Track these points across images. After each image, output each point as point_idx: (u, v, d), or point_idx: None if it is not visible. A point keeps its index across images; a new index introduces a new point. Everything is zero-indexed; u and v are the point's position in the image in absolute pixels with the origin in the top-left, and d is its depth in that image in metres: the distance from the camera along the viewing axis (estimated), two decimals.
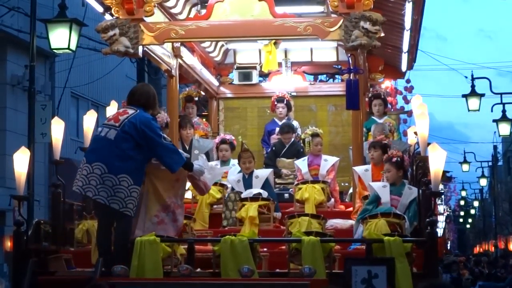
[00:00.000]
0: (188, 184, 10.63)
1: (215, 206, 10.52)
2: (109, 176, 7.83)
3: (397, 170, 9.42)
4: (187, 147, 11.51)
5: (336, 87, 13.93)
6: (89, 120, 9.47)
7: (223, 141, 11.25)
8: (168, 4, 10.54)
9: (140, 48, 9.44)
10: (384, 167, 9.50)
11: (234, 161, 11.16)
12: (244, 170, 10.55)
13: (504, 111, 21.73)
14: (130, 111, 8.12)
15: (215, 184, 10.56)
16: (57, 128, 9.22)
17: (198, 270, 8.12)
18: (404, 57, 12.63)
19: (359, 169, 10.27)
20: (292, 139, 11.84)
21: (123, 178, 7.83)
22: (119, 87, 23.85)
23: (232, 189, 10.59)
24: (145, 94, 8.30)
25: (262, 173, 10.65)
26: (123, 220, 7.98)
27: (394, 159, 9.46)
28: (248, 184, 10.42)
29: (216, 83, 13.60)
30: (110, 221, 8.12)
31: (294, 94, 13.15)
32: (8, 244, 17.45)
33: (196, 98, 12.51)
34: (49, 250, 8.77)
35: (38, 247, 8.68)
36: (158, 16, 10.02)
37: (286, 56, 13.62)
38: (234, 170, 11.04)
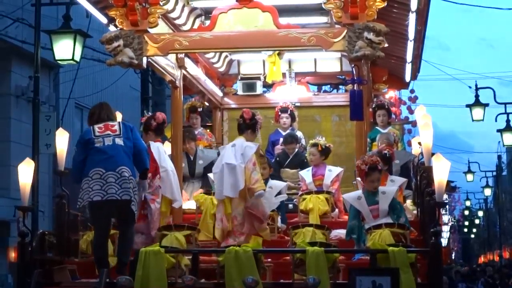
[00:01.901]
0: (193, 191, 10.66)
1: None
2: (132, 179, 8.24)
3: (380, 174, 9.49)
4: (192, 158, 11.52)
5: (340, 97, 13.94)
6: None
7: (217, 153, 11.31)
8: (172, 15, 10.56)
9: (144, 59, 9.46)
10: (370, 177, 9.40)
11: None
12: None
13: (508, 121, 21.71)
14: (114, 122, 8.57)
15: None
16: (62, 139, 9.23)
17: (203, 280, 8.12)
18: (408, 67, 12.64)
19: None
20: (296, 150, 11.84)
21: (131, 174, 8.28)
22: (124, 98, 23.87)
23: None
24: (112, 111, 8.75)
25: (277, 185, 10.56)
26: (132, 222, 8.32)
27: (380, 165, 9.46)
28: None
29: (220, 93, 13.61)
30: (109, 224, 8.43)
31: (298, 104, 13.16)
32: (13, 255, 17.46)
33: (200, 109, 12.52)
34: (53, 260, 8.77)
35: (43, 257, 8.68)
36: (162, 27, 10.04)
37: (290, 66, 13.63)
38: None
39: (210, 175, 11.16)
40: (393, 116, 15.47)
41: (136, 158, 8.38)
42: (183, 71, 11.30)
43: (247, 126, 9.56)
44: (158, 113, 10.17)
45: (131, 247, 8.29)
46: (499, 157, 46.83)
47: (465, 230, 65.32)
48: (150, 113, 10.47)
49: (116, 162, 8.15)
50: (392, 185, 9.95)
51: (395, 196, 9.43)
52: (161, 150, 9.71)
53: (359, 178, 9.86)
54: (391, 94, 16.31)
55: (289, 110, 12.41)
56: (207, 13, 11.16)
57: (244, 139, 9.44)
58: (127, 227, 8.31)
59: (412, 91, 23.07)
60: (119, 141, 8.27)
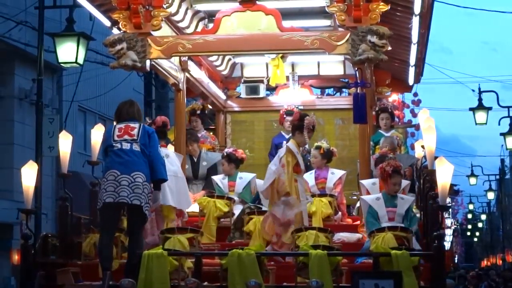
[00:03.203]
0: (195, 193, 10.64)
1: (222, 220, 10.53)
2: (147, 184, 8.23)
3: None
4: (195, 159, 11.54)
5: (343, 100, 13.95)
6: (97, 134, 9.48)
7: (221, 156, 11.30)
8: (175, 18, 10.57)
9: (148, 62, 9.47)
10: (393, 179, 9.44)
11: (241, 174, 11.17)
12: None
13: (511, 124, 21.70)
14: (136, 125, 8.41)
15: (222, 197, 10.59)
16: (65, 142, 9.24)
17: (205, 283, 8.11)
18: (411, 71, 12.64)
19: (366, 182, 10.26)
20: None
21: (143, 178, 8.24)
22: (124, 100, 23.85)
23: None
24: (138, 111, 8.62)
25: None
26: (142, 225, 8.35)
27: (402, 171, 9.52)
28: None
29: (223, 96, 13.62)
30: (116, 226, 8.48)
31: (301, 107, 13.15)
32: (16, 257, 17.44)
33: (199, 112, 12.50)
34: (56, 263, 8.77)
35: (46, 260, 8.69)
36: (165, 30, 10.05)
37: (293, 69, 13.64)
38: (241, 183, 11.04)
39: (214, 177, 11.18)
40: (396, 119, 15.44)
41: (151, 167, 8.30)
42: (186, 74, 11.31)
43: (294, 128, 9.53)
44: (158, 117, 10.20)
45: (141, 249, 8.27)
46: (502, 160, 46.79)
47: (468, 233, 65.24)
48: (150, 118, 10.45)
49: (131, 167, 8.15)
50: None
51: (411, 205, 9.43)
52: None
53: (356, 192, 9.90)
54: (394, 97, 16.23)
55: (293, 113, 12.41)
56: (210, 16, 11.18)
57: (292, 143, 9.42)
58: (137, 229, 8.30)
59: (415, 95, 23.04)
60: (136, 147, 8.25)
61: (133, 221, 8.28)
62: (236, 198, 10.84)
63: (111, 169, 8.13)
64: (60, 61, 14.79)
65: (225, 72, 13.64)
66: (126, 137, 8.29)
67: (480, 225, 62.35)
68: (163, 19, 9.60)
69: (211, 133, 13.13)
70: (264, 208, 9.97)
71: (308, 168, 11.55)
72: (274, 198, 9.22)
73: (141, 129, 8.36)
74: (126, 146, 8.24)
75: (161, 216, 9.38)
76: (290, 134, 12.05)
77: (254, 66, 13.78)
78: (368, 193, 10.07)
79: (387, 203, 9.33)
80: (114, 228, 8.43)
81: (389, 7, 9.20)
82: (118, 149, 8.23)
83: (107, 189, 8.08)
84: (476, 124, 21.18)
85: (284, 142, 11.73)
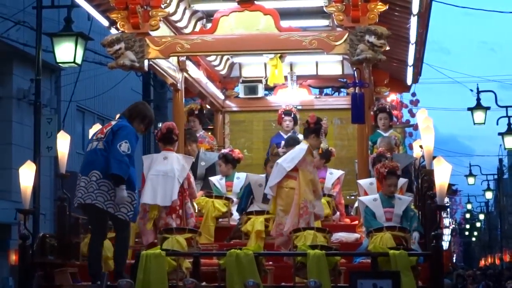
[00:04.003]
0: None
1: (220, 220, 10.52)
2: (104, 181, 8.08)
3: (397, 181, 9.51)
4: (194, 159, 11.53)
5: (342, 100, 13.94)
6: None
7: (218, 157, 11.29)
8: (173, 18, 10.56)
9: (146, 62, 9.47)
10: (388, 180, 9.45)
11: (238, 174, 11.17)
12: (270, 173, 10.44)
13: (509, 124, 21.68)
14: (113, 122, 8.46)
15: (220, 197, 10.59)
16: (63, 142, 9.23)
17: (204, 284, 8.11)
18: (410, 71, 12.64)
19: (364, 182, 10.26)
20: None
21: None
22: (125, 100, 23.78)
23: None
24: (132, 106, 8.55)
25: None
26: (120, 225, 8.21)
27: (399, 172, 9.50)
28: None
29: (222, 96, 13.61)
30: (104, 229, 8.38)
31: (300, 107, 13.15)
32: (14, 257, 17.45)
33: (197, 112, 12.49)
34: (54, 263, 8.76)
35: (44, 260, 8.67)
36: (163, 30, 10.05)
37: (291, 69, 13.64)
38: (238, 183, 11.04)
39: (212, 178, 11.18)
40: (395, 119, 15.44)
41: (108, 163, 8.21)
42: (185, 74, 11.31)
43: (310, 131, 9.50)
44: (165, 123, 10.21)
45: (123, 255, 8.25)
46: (501, 160, 46.77)
47: (466, 233, 65.21)
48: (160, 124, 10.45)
49: (89, 167, 8.20)
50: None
51: (409, 204, 9.44)
52: (154, 158, 9.67)
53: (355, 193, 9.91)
54: (392, 97, 16.21)
55: (292, 113, 12.39)
56: (208, 16, 11.17)
57: (307, 144, 9.40)
58: (117, 234, 8.33)
59: (413, 94, 22.98)
60: (100, 145, 8.25)
61: (100, 221, 8.28)
62: (234, 199, 10.84)
63: (92, 170, 8.21)
64: (58, 61, 14.78)
65: (223, 72, 13.64)
66: (99, 135, 8.39)
67: (478, 224, 62.34)
68: (161, 19, 9.60)
69: (210, 133, 13.12)
70: (258, 208, 9.98)
71: None
72: (283, 196, 9.25)
73: (112, 126, 8.36)
74: (93, 145, 8.32)
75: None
76: (289, 134, 12.17)
77: (252, 66, 13.78)
78: (365, 193, 10.07)
79: (384, 204, 9.34)
80: (98, 230, 8.37)
81: (387, 7, 9.21)
82: (87, 151, 8.38)
83: (76, 194, 8.25)
84: (474, 124, 21.17)
85: (283, 141, 11.79)
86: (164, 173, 9.46)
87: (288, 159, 9.36)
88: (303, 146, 9.36)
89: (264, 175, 10.49)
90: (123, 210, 8.12)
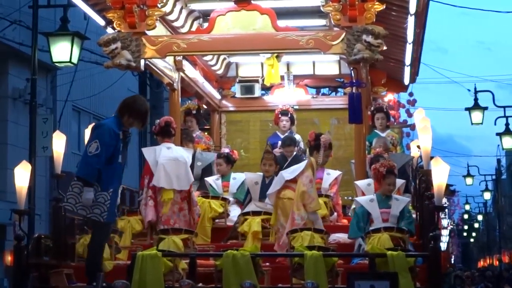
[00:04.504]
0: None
1: (217, 220, 10.52)
2: (77, 183, 8.07)
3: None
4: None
5: (339, 100, 13.94)
6: None
7: (218, 156, 11.30)
8: (170, 17, 10.56)
9: (142, 62, 9.46)
10: (387, 180, 9.45)
11: (234, 175, 11.17)
12: (264, 172, 10.48)
13: (507, 124, 21.68)
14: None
15: (217, 198, 10.58)
16: (59, 142, 9.22)
17: (200, 285, 8.11)
18: (407, 70, 12.65)
19: (361, 183, 10.26)
20: (294, 153, 11.80)
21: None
22: (121, 100, 23.83)
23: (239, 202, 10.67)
24: (122, 101, 8.52)
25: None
26: (94, 226, 8.18)
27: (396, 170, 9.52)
28: (264, 190, 10.34)
29: (218, 96, 13.61)
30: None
31: (297, 107, 13.15)
32: (9, 258, 17.40)
33: (194, 111, 12.48)
34: (50, 264, 8.74)
35: (39, 261, 8.66)
36: (160, 30, 10.04)
37: (288, 69, 13.64)
38: (235, 184, 11.04)
39: (207, 179, 11.18)
40: (392, 119, 15.43)
41: None
42: (181, 73, 11.30)
43: (312, 148, 9.63)
44: (163, 117, 10.30)
45: (93, 256, 8.16)
46: (499, 160, 46.80)
47: (465, 234, 65.28)
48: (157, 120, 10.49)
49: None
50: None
51: (406, 205, 9.43)
52: (158, 149, 9.84)
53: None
54: (390, 97, 16.23)
55: (289, 113, 12.39)
56: (205, 15, 11.16)
57: (313, 159, 9.46)
58: (92, 235, 8.36)
59: (411, 94, 23.05)
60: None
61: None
62: (231, 199, 10.84)
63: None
64: (54, 60, 14.75)
65: (220, 72, 13.63)
66: None
67: (476, 225, 62.39)
68: (158, 18, 9.59)
69: (206, 133, 13.13)
70: (255, 208, 9.99)
71: None
72: (278, 205, 9.30)
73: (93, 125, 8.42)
74: None
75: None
76: (286, 134, 12.16)
77: (249, 66, 13.77)
78: (363, 194, 10.08)
79: (381, 204, 9.34)
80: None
81: (385, 7, 9.21)
82: None
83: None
84: (472, 124, 21.17)
85: (279, 142, 11.79)
86: (174, 159, 9.72)
87: (290, 170, 9.45)
88: (307, 161, 9.43)
89: (260, 174, 10.51)
90: (96, 211, 8.04)
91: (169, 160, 9.72)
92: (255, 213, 9.86)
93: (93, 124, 8.54)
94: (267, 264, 8.70)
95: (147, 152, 9.92)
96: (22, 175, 8.58)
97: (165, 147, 9.86)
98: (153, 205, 9.69)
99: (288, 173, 9.44)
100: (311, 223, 9.09)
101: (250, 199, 10.45)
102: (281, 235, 9.19)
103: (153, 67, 10.31)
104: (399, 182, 10.04)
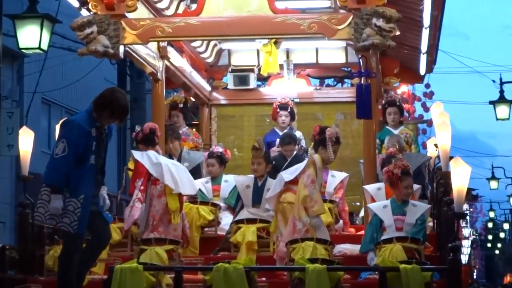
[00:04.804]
0: None
1: (206, 229, 10.52)
2: (46, 189, 7.97)
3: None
4: (175, 160, 11.51)
5: (345, 92, 13.97)
6: None
7: (210, 155, 11.28)
8: None
9: (121, 48, 9.46)
10: (404, 182, 9.42)
11: (226, 177, 11.17)
12: (253, 172, 10.48)
13: None
14: None
15: (206, 203, 10.58)
16: (26, 139, 9.23)
17: None
18: (423, 59, 12.66)
19: (371, 187, 10.26)
20: (295, 152, 11.82)
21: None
22: (97, 92, 23.75)
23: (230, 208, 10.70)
24: (99, 94, 8.44)
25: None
26: (64, 237, 8.14)
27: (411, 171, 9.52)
28: (257, 194, 10.34)
29: (208, 88, 13.62)
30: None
31: (297, 100, 13.17)
32: None
33: (181, 105, 12.48)
34: (15, 279, 8.75)
35: (3, 276, 8.66)
36: (142, 12, 10.04)
37: (288, 57, 13.67)
38: (227, 187, 11.04)
39: (197, 181, 11.16)
40: (406, 114, 15.48)
41: None
42: (166, 62, 11.31)
43: (316, 143, 9.64)
44: (146, 123, 10.30)
45: (60, 271, 8.08)
46: None
47: (489, 245, 65.37)
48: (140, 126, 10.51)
49: None
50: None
51: (424, 212, 9.40)
52: (151, 154, 9.93)
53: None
54: (403, 89, 16.29)
55: (289, 107, 12.40)
56: None
57: (319, 157, 9.46)
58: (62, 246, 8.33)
59: (427, 86, 23.14)
60: None
61: None
62: (222, 204, 10.84)
63: None
64: (21, 46, 14.71)
65: (210, 60, 13.65)
66: None
67: (502, 235, 62.48)
68: None
69: (194, 130, 13.13)
70: (249, 215, 10.01)
71: None
72: (278, 210, 9.35)
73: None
74: None
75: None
76: (286, 131, 12.17)
77: (243, 53, 13.80)
78: (373, 200, 10.07)
79: (395, 211, 9.30)
80: None
81: None
82: None
83: None
84: (497, 119, 21.20)
85: (278, 139, 11.80)
86: (173, 163, 9.93)
87: (290, 171, 9.49)
88: (309, 159, 9.46)
89: (252, 176, 10.51)
90: (66, 221, 7.92)
91: (170, 163, 9.90)
92: (250, 221, 9.87)
93: (63, 120, 8.50)
94: (264, 279, 8.71)
95: (139, 155, 9.89)
96: None
97: (154, 153, 9.93)
98: (140, 206, 9.72)
99: (288, 174, 9.48)
100: (313, 230, 9.10)
101: (242, 205, 10.45)
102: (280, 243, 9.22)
103: (134, 54, 10.31)
104: (415, 186, 10.04)
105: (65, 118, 8.42)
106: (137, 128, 10.27)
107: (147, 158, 9.81)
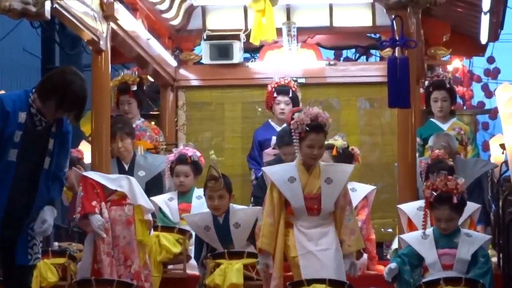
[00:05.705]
0: None
1: (170, 267, 10.55)
2: None
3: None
4: (126, 166, 11.52)
5: (372, 70, 13.97)
6: None
7: (181, 159, 11.23)
8: None
9: (48, 5, 9.48)
10: (437, 213, 9.39)
11: (200, 191, 11.10)
12: (212, 210, 10.38)
13: None
14: None
15: (171, 230, 10.56)
16: None
17: None
18: (485, 21, 12.68)
19: (408, 207, 10.24)
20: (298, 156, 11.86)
21: None
22: (14, 66, 23.89)
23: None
24: (47, 77, 8.35)
25: (246, 217, 10.49)
26: None
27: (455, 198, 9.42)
28: (223, 233, 10.31)
29: (174, 62, 13.64)
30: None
31: (303, 81, 13.21)
32: None
33: (134, 87, 12.49)
34: None
35: None
36: None
37: (288, 18, 13.67)
38: (200, 206, 10.97)
39: (155, 199, 11.15)
40: (460, 100, 15.53)
41: None
42: (112, 24, 11.32)
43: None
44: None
45: None
46: None
47: None
48: None
49: None
50: None
51: (483, 244, 9.40)
52: None
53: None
54: (456, 65, 16.34)
55: (290, 91, 12.41)
56: None
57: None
58: None
59: (490, 60, 23.17)
60: None
61: None
62: (193, 232, 10.84)
63: None
64: None
65: (176, 22, 13.66)
66: None
67: None
68: None
69: (153, 123, 13.14)
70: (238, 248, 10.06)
71: None
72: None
73: None
74: None
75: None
76: (285, 125, 12.22)
77: (223, 11, 13.81)
78: (411, 224, 10.07)
79: (440, 243, 9.29)
80: None
81: None
82: None
83: None
84: None
85: (274, 137, 11.82)
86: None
87: None
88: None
89: (207, 211, 10.39)
90: None
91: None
92: (233, 255, 9.87)
93: None
94: None
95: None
96: None
97: None
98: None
99: None
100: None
101: (209, 250, 10.38)
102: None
103: (65, 13, 10.33)
104: (472, 207, 10.02)
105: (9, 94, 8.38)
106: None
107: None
